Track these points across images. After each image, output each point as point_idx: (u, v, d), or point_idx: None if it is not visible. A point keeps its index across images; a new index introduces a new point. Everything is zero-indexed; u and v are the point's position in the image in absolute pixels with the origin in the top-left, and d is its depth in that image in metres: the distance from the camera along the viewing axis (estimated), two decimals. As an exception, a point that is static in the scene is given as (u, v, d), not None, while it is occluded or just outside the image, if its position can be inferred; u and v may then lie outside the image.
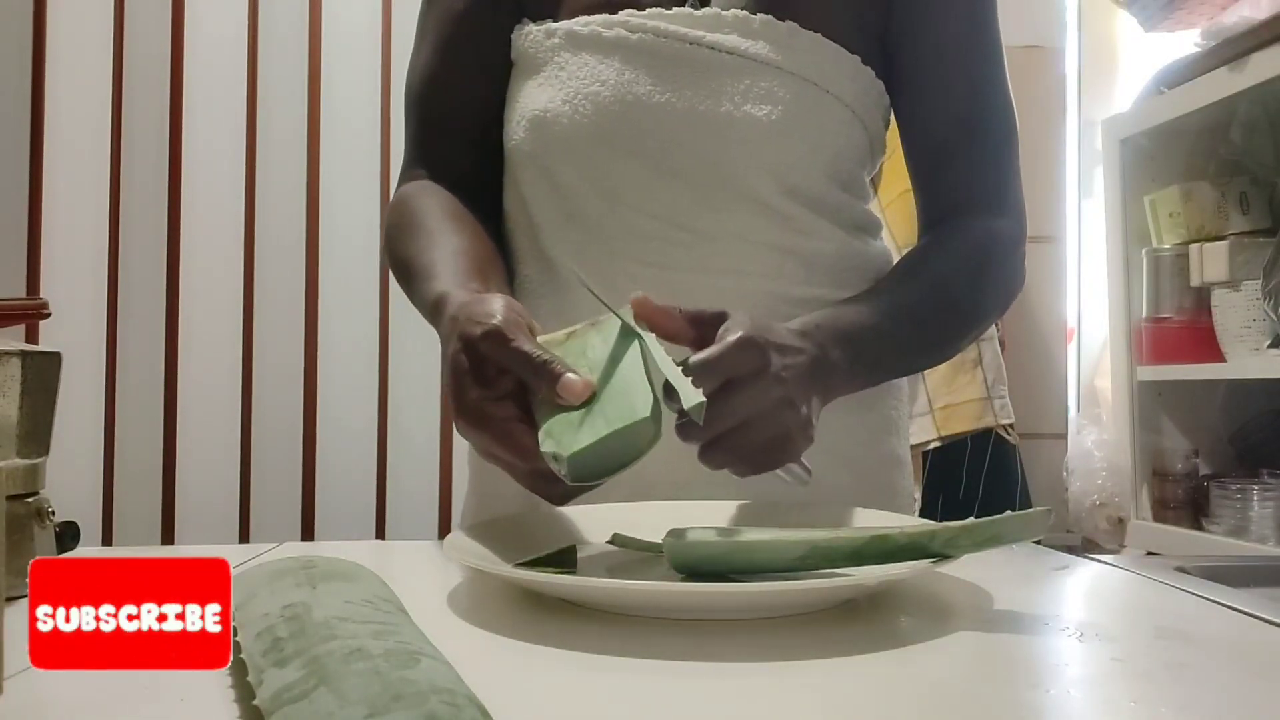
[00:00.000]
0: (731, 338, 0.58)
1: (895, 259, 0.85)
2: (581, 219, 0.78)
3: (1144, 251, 1.91)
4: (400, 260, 0.78)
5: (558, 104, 0.77)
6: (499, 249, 0.83)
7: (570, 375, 0.56)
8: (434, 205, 0.80)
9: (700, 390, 0.54)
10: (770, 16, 0.76)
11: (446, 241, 0.75)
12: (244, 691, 0.37)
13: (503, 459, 0.59)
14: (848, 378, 0.68)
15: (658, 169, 0.76)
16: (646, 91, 0.76)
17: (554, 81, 0.78)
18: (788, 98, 0.76)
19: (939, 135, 0.81)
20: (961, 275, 0.77)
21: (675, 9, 0.78)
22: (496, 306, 0.60)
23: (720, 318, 0.61)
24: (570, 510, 0.70)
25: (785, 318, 0.76)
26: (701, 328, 0.61)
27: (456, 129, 0.85)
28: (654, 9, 0.78)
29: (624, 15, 0.77)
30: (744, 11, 0.77)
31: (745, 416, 0.58)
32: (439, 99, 0.85)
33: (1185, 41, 1.81)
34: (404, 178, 0.87)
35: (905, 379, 0.88)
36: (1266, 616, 0.43)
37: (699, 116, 0.75)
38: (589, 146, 0.77)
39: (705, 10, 0.78)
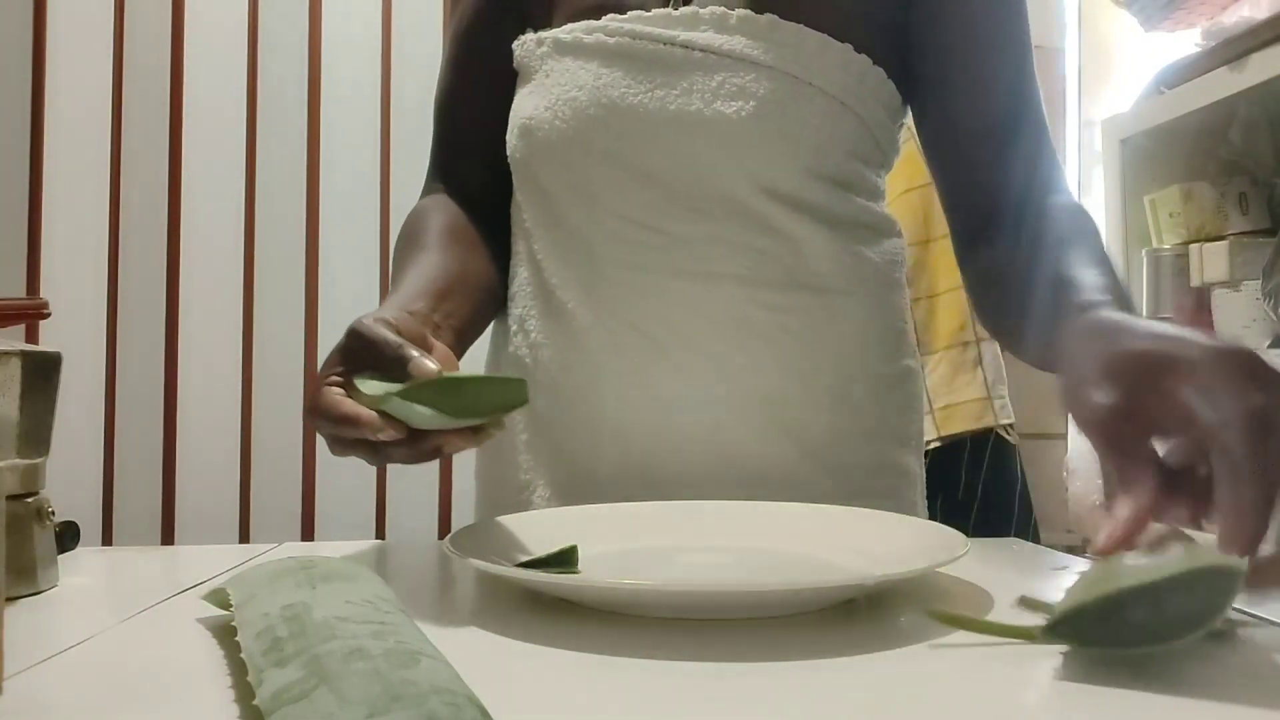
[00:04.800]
0: (1199, 365, 0.44)
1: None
2: (565, 224, 0.79)
3: (1144, 251, 1.91)
4: (392, 272, 0.80)
5: (541, 111, 0.78)
6: (501, 265, 0.85)
7: (421, 359, 0.58)
8: (436, 222, 0.82)
9: None
10: (749, 11, 0.75)
11: (426, 259, 0.77)
12: (244, 691, 0.37)
13: (341, 430, 0.58)
14: None
15: (633, 171, 0.76)
16: (621, 94, 0.76)
17: (540, 89, 0.79)
18: (762, 93, 0.74)
19: (993, 122, 0.78)
20: (1099, 242, 0.71)
21: (655, 10, 0.78)
22: (371, 314, 0.62)
23: (1120, 359, 0.47)
24: (571, 511, 0.70)
25: (765, 323, 0.76)
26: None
27: (469, 144, 0.88)
28: (635, 11, 0.78)
29: (605, 20, 0.78)
30: (721, 8, 0.76)
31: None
32: (453, 115, 0.89)
33: (1185, 41, 1.81)
34: (424, 190, 0.90)
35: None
36: (1267, 616, 0.43)
37: (670, 116, 0.75)
38: (568, 151, 0.77)
39: (684, 9, 0.77)
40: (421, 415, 0.56)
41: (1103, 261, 0.65)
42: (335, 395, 0.58)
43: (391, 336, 0.60)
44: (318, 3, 1.83)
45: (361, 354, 0.60)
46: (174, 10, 1.80)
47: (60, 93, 1.78)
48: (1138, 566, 0.42)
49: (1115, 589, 0.40)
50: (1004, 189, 0.78)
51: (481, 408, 0.57)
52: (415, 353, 0.59)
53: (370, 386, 0.58)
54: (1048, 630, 0.43)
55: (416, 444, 0.57)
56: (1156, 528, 0.45)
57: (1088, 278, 0.61)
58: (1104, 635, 0.41)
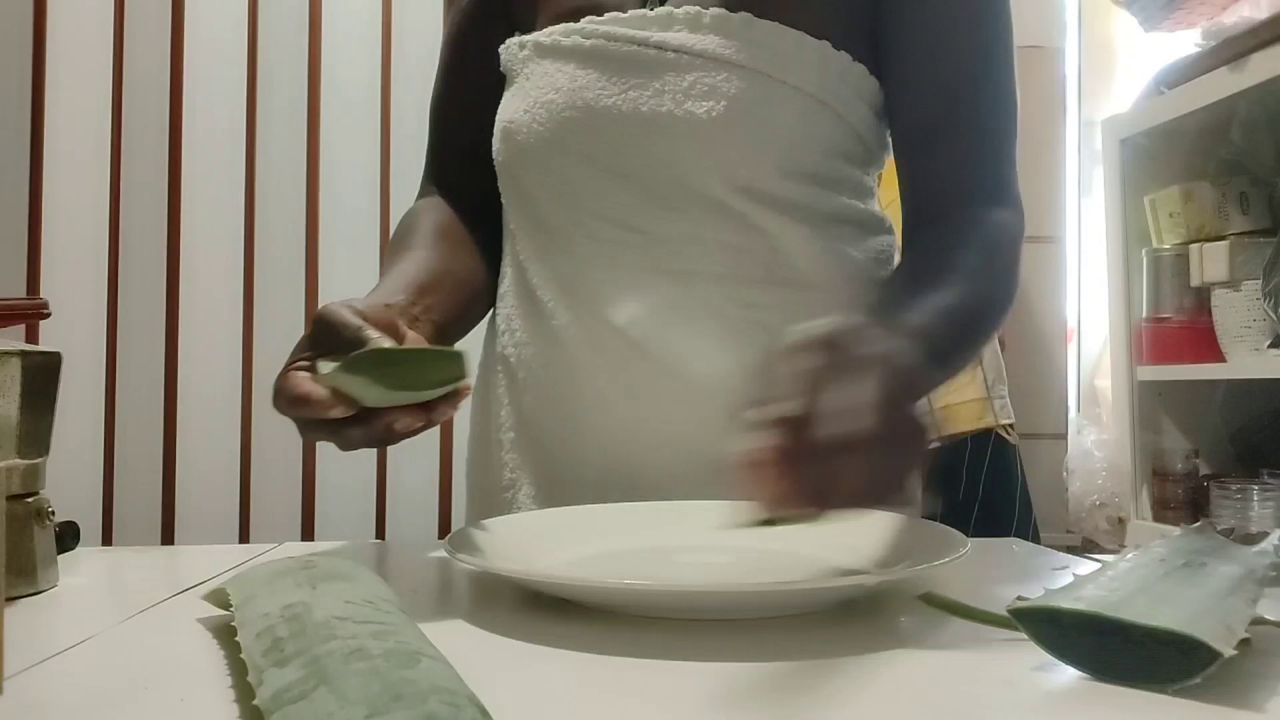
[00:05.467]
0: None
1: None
2: (546, 225, 0.80)
3: (1144, 251, 1.91)
4: (381, 273, 0.80)
5: (520, 114, 0.79)
6: (492, 265, 0.86)
7: (379, 339, 0.59)
8: (425, 223, 0.84)
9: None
10: (723, 10, 0.75)
11: (412, 257, 0.78)
12: (244, 691, 0.37)
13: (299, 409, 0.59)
14: (925, 377, 0.57)
15: (609, 172, 0.76)
16: (595, 95, 0.76)
17: (520, 93, 0.80)
18: (733, 92, 0.74)
19: (927, 118, 0.77)
20: (987, 268, 0.72)
21: (631, 11, 0.78)
22: (340, 301, 0.63)
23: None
24: (571, 510, 0.70)
25: (742, 320, 0.75)
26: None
27: (462, 148, 0.88)
28: (612, 13, 0.78)
29: (583, 22, 0.78)
30: (695, 7, 0.76)
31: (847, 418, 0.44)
32: (445, 118, 0.90)
33: (1185, 41, 1.81)
34: (419, 193, 0.91)
35: None
36: (1266, 616, 0.43)
37: (643, 117, 0.75)
38: (546, 153, 0.78)
39: (659, 10, 0.77)
40: (365, 390, 0.57)
41: (930, 291, 0.66)
42: (295, 377, 0.59)
43: (352, 318, 0.60)
44: (318, 3, 1.83)
45: (326, 338, 0.61)
46: (174, 10, 1.80)
47: (60, 93, 1.78)
48: (1139, 594, 0.42)
49: (1106, 612, 0.40)
50: (925, 193, 0.78)
51: (420, 381, 0.58)
52: (374, 334, 0.59)
53: (327, 367, 0.59)
54: (1016, 613, 0.43)
55: (370, 422, 0.58)
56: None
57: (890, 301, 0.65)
58: (1064, 642, 0.42)
